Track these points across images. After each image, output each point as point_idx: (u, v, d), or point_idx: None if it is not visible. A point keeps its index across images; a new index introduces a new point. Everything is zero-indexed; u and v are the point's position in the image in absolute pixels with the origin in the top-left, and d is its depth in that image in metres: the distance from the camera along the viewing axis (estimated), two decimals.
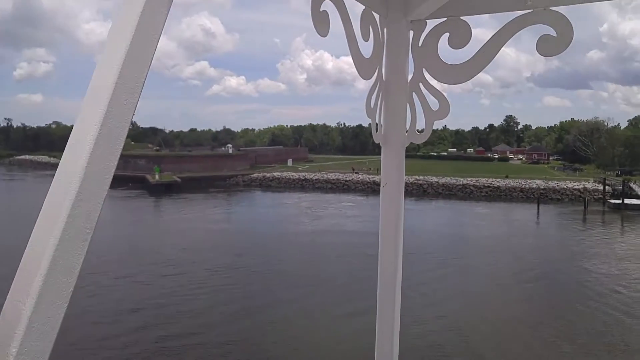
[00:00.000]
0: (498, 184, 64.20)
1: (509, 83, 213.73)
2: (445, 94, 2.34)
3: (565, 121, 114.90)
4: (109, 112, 0.99)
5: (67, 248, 0.94)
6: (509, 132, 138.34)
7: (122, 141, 1.03)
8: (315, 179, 73.47)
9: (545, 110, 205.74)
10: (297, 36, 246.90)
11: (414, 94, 2.33)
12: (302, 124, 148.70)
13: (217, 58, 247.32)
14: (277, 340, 17.72)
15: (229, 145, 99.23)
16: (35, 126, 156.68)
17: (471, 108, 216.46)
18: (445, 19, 2.24)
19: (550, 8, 2.00)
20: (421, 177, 68.76)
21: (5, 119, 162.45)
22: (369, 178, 67.97)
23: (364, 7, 2.09)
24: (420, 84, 2.32)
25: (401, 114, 2.34)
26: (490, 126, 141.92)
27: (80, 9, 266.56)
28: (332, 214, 49.49)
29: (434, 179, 67.77)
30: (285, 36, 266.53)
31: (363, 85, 2.44)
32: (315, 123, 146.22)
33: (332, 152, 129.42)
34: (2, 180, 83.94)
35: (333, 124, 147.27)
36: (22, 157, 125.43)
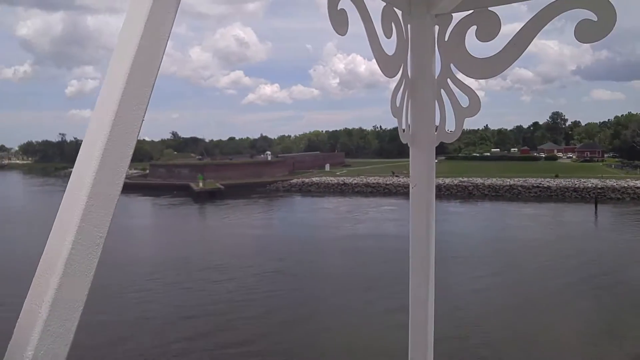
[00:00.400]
0: (548, 183, 61.21)
1: (552, 78, 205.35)
2: (476, 91, 2.21)
3: (622, 115, 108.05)
4: (117, 120, 1.00)
5: (81, 253, 0.96)
6: (555, 130, 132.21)
7: (131, 148, 1.03)
8: (355, 183, 72.76)
9: (595, 105, 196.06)
10: (329, 41, 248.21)
11: (442, 90, 2.23)
12: (337, 129, 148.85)
13: (252, 67, 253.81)
14: (332, 346, 17.28)
15: (268, 153, 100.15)
16: (81, 139, 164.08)
17: (511, 106, 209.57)
18: (472, 11, 2.11)
19: None
20: (465, 179, 66.66)
21: (59, 134, 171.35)
22: (407, 180, 66.44)
23: (384, 3, 2.01)
24: (449, 80, 2.21)
25: (429, 112, 2.24)
26: (535, 124, 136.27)
27: None
28: (374, 218, 48.70)
29: (479, 181, 65.59)
30: (316, 42, 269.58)
31: (395, 85, 2.19)
32: (350, 127, 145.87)
33: (369, 155, 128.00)
34: (61, 192, 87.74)
35: (369, 128, 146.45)
36: (70, 170, 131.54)
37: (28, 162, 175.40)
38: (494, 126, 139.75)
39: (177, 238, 39.50)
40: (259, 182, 79.49)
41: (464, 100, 2.21)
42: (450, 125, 2.25)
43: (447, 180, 67.51)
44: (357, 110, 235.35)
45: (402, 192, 66.73)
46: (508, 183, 63.17)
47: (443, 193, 64.54)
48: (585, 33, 1.84)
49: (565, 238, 36.56)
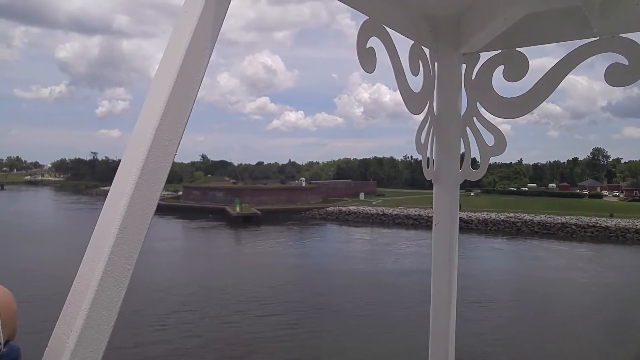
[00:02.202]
0: (606, 223, 57.81)
1: (582, 113, 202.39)
2: (502, 124, 2.25)
3: None
4: (150, 153, 1.02)
5: (109, 284, 0.98)
6: (596, 166, 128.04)
7: (163, 181, 1.06)
8: (395, 214, 70.68)
9: (626, 142, 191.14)
10: (354, 71, 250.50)
11: (467, 128, 2.23)
12: (362, 157, 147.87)
13: (278, 94, 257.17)
14: None
15: (302, 179, 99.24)
16: (116, 159, 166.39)
17: (537, 140, 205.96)
18: (500, 51, 2.14)
19: (620, 35, 1.85)
20: (512, 214, 63.93)
21: (91, 152, 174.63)
22: None
23: (412, 42, 2.03)
24: (474, 119, 2.22)
25: (454, 149, 2.25)
26: (574, 160, 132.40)
27: (155, 51, 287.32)
28: (416, 252, 46.33)
29: (527, 217, 62.73)
30: (342, 71, 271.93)
31: (420, 117, 2.15)
32: (374, 156, 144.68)
33: (400, 185, 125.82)
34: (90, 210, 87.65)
35: (397, 157, 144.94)
36: (107, 188, 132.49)
37: (60, 179, 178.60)
38: (513, 159, 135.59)
39: (215, 265, 38.35)
40: (294, 208, 78.28)
41: (489, 139, 2.19)
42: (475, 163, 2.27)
43: (493, 215, 64.88)
44: (380, 140, 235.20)
45: None
46: (560, 220, 60.10)
47: (490, 228, 62.00)
48: (616, 77, 1.85)
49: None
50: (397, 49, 1.91)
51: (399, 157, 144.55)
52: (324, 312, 24.97)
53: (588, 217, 60.89)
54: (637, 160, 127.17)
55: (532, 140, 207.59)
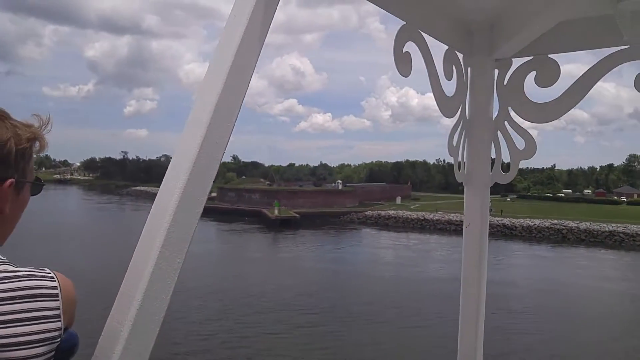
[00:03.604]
0: None
1: (608, 120, 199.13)
2: (531, 132, 2.25)
3: None
4: (202, 151, 1.06)
5: (160, 276, 1.02)
6: (632, 173, 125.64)
7: (212, 178, 1.10)
8: (436, 220, 70.68)
9: None
10: (383, 74, 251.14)
11: (498, 132, 2.29)
12: (388, 160, 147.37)
13: (306, 96, 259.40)
14: None
15: (339, 182, 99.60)
16: (147, 159, 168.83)
17: (564, 146, 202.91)
18: (532, 57, 2.17)
19: None
20: (557, 221, 63.43)
21: (122, 151, 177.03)
22: (497, 221, 63.78)
23: (447, 47, 2.07)
24: (506, 123, 2.27)
25: (485, 152, 2.30)
26: (609, 166, 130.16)
27: (184, 51, 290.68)
28: (460, 260, 46.28)
29: (572, 224, 62.17)
30: (370, 74, 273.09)
31: (449, 121, 2.22)
32: (402, 159, 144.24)
33: (433, 189, 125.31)
34: (132, 210, 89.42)
35: (430, 160, 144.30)
36: (138, 188, 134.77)
37: (89, 178, 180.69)
38: (537, 165, 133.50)
39: (259, 269, 38.62)
40: (331, 212, 78.72)
41: (519, 143, 2.26)
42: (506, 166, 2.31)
43: (537, 222, 64.43)
44: (407, 143, 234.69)
45: (490, 232, 63.96)
46: (607, 228, 59.46)
47: (534, 235, 61.66)
48: None
49: None
50: (431, 53, 1.96)
51: (429, 160, 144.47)
52: (374, 324, 24.40)
53: (636, 225, 60.01)
54: None
55: (559, 146, 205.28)
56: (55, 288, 0.98)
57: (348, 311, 26.25)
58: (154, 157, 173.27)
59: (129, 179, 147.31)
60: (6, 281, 0.93)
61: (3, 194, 0.98)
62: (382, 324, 24.42)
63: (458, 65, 2.20)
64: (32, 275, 0.97)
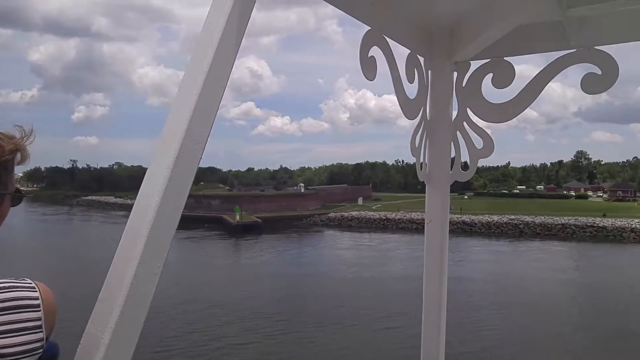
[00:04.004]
0: (602, 223, 59.95)
1: (555, 118, 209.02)
2: (489, 132, 2.38)
3: None
4: (179, 157, 1.09)
5: (141, 282, 1.03)
6: (579, 169, 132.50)
7: (190, 183, 1.15)
8: (398, 219, 71.41)
9: (594, 146, 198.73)
10: (341, 76, 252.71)
11: (458, 132, 2.37)
12: (347, 162, 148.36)
13: (263, 99, 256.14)
14: None
15: (301, 185, 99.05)
16: (98, 167, 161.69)
17: (516, 144, 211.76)
18: (489, 60, 2.28)
19: (595, 47, 2.02)
20: (514, 217, 65.51)
21: (70, 160, 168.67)
22: (457, 218, 65.13)
23: (409, 51, 2.16)
24: (464, 123, 2.36)
25: (445, 152, 2.39)
26: (559, 162, 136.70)
27: (137, 55, 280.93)
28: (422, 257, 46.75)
29: (529, 219, 64.40)
30: (328, 77, 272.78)
31: (405, 122, 2.40)
32: (360, 161, 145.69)
33: (393, 189, 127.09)
34: (83, 220, 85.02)
35: (389, 161, 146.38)
36: (89, 197, 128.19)
37: (34, 189, 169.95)
38: (492, 163, 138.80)
39: (222, 277, 37.39)
40: (294, 215, 78.12)
41: (478, 142, 2.35)
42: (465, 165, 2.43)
43: (495, 218, 66.31)
44: (366, 145, 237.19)
45: (451, 229, 64.98)
46: (560, 222, 61.96)
47: (493, 231, 63.35)
48: (591, 85, 2.02)
49: None
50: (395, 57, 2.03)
51: (388, 161, 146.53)
52: (345, 327, 23.83)
53: (585, 218, 62.96)
54: (615, 162, 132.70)
55: (512, 144, 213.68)
56: (37, 299, 0.98)
57: (317, 316, 25.70)
58: (105, 166, 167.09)
59: (78, 188, 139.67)
60: None
61: None
62: (353, 327, 24.02)
63: (419, 68, 2.26)
64: (14, 287, 0.97)
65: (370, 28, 1.89)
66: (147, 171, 1.14)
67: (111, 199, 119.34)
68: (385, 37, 1.97)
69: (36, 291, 0.99)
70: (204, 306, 27.20)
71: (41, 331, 0.97)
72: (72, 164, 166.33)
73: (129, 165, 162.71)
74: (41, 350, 0.97)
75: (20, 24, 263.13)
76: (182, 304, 26.73)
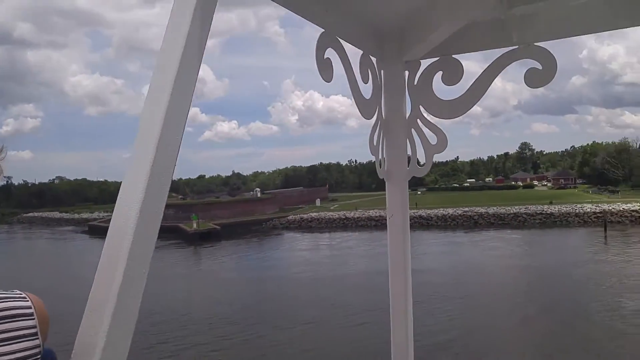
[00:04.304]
0: (550, 210, 63.04)
1: (498, 112, 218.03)
2: (441, 128, 2.45)
3: (587, 144, 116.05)
4: (154, 166, 1.12)
5: (129, 287, 1.06)
6: (524, 160, 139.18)
7: (166, 193, 1.17)
8: (357, 217, 71.88)
9: (534, 137, 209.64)
10: (287, 78, 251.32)
11: (412, 130, 2.45)
12: (299, 165, 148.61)
13: (208, 104, 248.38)
14: None
15: (257, 190, 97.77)
16: (37, 182, 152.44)
17: (462, 139, 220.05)
18: (438, 57, 2.36)
19: (535, 44, 2.13)
20: (468, 209, 67.56)
21: (4, 177, 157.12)
22: (413, 213, 66.29)
23: (362, 52, 2.22)
24: (418, 120, 2.44)
25: (401, 149, 2.47)
26: (505, 154, 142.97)
27: (67, 63, 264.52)
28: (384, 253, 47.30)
29: (482, 210, 66.62)
30: (274, 79, 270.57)
31: (354, 123, 2.93)
32: (312, 163, 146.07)
33: (348, 189, 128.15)
34: (50, 238, 79.40)
35: (342, 162, 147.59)
36: (30, 214, 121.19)
37: None
38: (440, 158, 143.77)
39: (184, 285, 36.32)
40: (252, 220, 77.00)
41: (432, 138, 2.43)
42: (421, 160, 2.53)
43: (450, 211, 68.09)
44: (316, 147, 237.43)
45: (410, 223, 65.99)
46: (512, 211, 64.53)
47: (449, 223, 65.02)
48: (533, 79, 2.12)
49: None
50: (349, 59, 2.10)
51: (341, 162, 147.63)
52: (314, 327, 23.61)
53: (534, 206, 65.92)
54: (555, 151, 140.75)
55: (458, 139, 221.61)
56: (29, 307, 1.02)
57: (285, 318, 25.24)
58: (45, 181, 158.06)
59: (16, 205, 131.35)
60: None
61: None
62: (319, 326, 23.76)
63: (372, 68, 2.31)
64: (6, 297, 1.00)
65: (324, 30, 1.91)
66: (122, 185, 1.16)
67: (56, 214, 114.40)
68: (339, 39, 2.01)
69: (28, 301, 1.02)
70: (171, 317, 26.13)
71: (37, 338, 1.00)
72: (7, 181, 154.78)
73: (71, 179, 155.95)
74: (39, 356, 1.00)
75: None
76: (147, 317, 25.41)
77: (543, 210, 63.86)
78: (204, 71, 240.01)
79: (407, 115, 2.46)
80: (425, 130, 2.44)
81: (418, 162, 2.51)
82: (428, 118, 2.43)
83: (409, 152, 2.49)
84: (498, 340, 21.04)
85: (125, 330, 1.07)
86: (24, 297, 1.02)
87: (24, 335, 0.96)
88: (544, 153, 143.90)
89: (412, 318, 2.51)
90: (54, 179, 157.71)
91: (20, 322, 0.97)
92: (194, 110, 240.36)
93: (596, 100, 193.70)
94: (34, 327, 0.99)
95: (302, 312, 26.22)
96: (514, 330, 22.01)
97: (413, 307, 2.53)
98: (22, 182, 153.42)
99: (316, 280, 35.49)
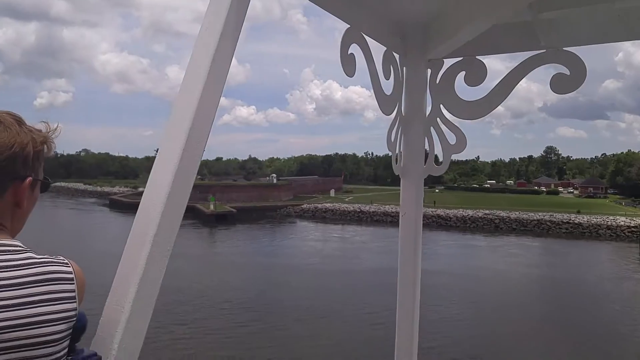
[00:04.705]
0: (578, 220, 60.22)
1: (521, 113, 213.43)
2: (461, 128, 2.45)
3: (622, 153, 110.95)
4: (185, 150, 1.20)
5: (154, 263, 1.15)
6: (549, 164, 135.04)
7: (194, 174, 1.25)
8: (372, 212, 70.30)
9: (559, 141, 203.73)
10: (306, 67, 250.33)
11: (431, 128, 2.44)
12: (314, 153, 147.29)
13: (229, 88, 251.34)
14: None
15: (273, 175, 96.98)
16: (65, 154, 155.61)
17: (481, 139, 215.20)
18: (462, 58, 2.35)
19: (564, 48, 2.09)
20: (489, 211, 65.43)
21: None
22: (431, 212, 64.54)
23: (385, 48, 2.24)
24: (438, 119, 2.43)
25: (419, 147, 2.47)
26: (529, 157, 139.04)
27: (98, 41, 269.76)
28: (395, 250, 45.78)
29: (503, 214, 64.39)
30: (294, 67, 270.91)
31: (371, 115, 2.49)
32: (327, 153, 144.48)
33: (363, 182, 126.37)
34: (74, 209, 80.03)
35: (358, 153, 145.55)
36: (57, 184, 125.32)
37: None
38: (460, 157, 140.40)
39: (200, 267, 35.71)
40: (267, 206, 76.22)
41: (451, 138, 2.39)
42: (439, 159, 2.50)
43: (471, 212, 66.04)
44: (332, 136, 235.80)
45: (425, 222, 63.75)
46: (535, 217, 62.13)
47: (468, 225, 63.06)
48: (560, 85, 2.08)
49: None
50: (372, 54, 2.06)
51: (357, 153, 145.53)
52: (322, 319, 23.22)
53: (560, 214, 63.34)
54: (584, 158, 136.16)
55: (478, 138, 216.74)
56: (70, 273, 1.10)
57: (297, 308, 24.78)
58: (72, 152, 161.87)
59: (46, 174, 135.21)
60: (31, 267, 1.05)
61: (22, 190, 1.12)
62: (323, 319, 23.16)
63: (395, 65, 2.29)
64: (52, 262, 1.09)
65: (349, 26, 1.92)
66: (155, 165, 1.23)
67: (80, 186, 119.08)
68: (364, 35, 2.02)
69: (69, 267, 1.11)
70: (184, 298, 25.74)
71: (75, 301, 1.09)
72: None
73: (96, 152, 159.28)
74: (75, 318, 1.09)
75: None
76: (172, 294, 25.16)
77: (570, 219, 60.91)
78: None
79: (427, 113, 2.43)
80: (445, 129, 2.40)
81: (435, 161, 2.49)
82: (448, 117, 2.39)
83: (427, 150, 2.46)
84: (497, 355, 19.66)
85: (148, 300, 1.14)
86: (66, 263, 1.11)
87: (66, 298, 1.06)
88: (571, 159, 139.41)
89: (419, 318, 2.49)
90: (80, 152, 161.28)
91: (63, 285, 1.07)
92: None
93: (631, 106, 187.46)
94: (73, 290, 1.08)
95: (312, 304, 25.62)
96: (518, 346, 20.46)
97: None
98: (53, 152, 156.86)
99: (327, 272, 34.57)
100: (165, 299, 24.01)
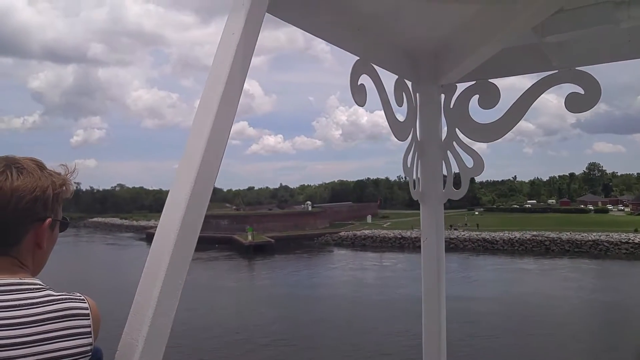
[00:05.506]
0: (639, 239, 56.11)
1: (553, 130, 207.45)
2: (481, 146, 2.53)
3: None
4: (196, 185, 1.22)
5: (166, 297, 1.17)
6: (592, 181, 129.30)
7: (207, 202, 1.27)
8: (415, 237, 67.76)
9: (596, 157, 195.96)
10: (332, 94, 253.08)
11: (448, 152, 2.44)
12: (344, 179, 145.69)
13: (256, 118, 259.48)
14: None
15: (308, 203, 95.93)
16: (101, 189, 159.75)
17: (514, 158, 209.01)
18: (474, 82, 2.37)
19: (576, 68, 2.11)
20: (537, 233, 62.20)
21: (74, 182, 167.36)
22: (476, 235, 61.87)
23: (396, 76, 2.25)
24: (454, 143, 2.42)
25: (437, 171, 2.46)
26: (571, 175, 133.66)
27: (131, 78, 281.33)
28: (449, 278, 42.96)
29: (553, 235, 61.02)
30: (319, 95, 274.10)
31: None
32: (356, 178, 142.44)
33: (398, 207, 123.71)
34: (112, 244, 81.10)
35: (392, 177, 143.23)
36: (94, 219, 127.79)
37: None
38: (487, 177, 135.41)
39: (242, 301, 34.89)
40: (304, 234, 75.11)
41: (468, 161, 2.39)
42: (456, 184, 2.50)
43: (518, 234, 62.95)
44: (359, 161, 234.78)
45: (469, 247, 61.57)
46: (590, 238, 58.51)
47: (517, 248, 60.03)
48: (574, 104, 2.09)
49: None
50: (383, 82, 2.07)
51: (390, 177, 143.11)
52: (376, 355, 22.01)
53: (617, 234, 59.50)
54: (629, 173, 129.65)
55: (509, 157, 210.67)
56: (86, 309, 1.15)
57: (351, 343, 23.59)
58: (107, 187, 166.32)
59: (83, 210, 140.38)
60: (50, 304, 1.10)
61: (42, 231, 1.17)
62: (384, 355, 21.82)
63: (408, 92, 2.30)
64: (69, 299, 1.14)
65: (358, 58, 1.95)
66: (170, 193, 1.26)
67: (117, 221, 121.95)
68: (373, 65, 2.04)
69: (85, 302, 1.16)
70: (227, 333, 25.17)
71: (91, 337, 1.13)
72: (76, 186, 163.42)
73: (130, 186, 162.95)
74: (90, 352, 1.13)
75: (19, 52, 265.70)
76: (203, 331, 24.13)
77: (629, 238, 56.87)
78: (253, 87, 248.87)
79: (443, 137, 2.44)
80: (462, 152, 2.40)
81: (454, 185, 2.48)
82: (464, 141, 2.40)
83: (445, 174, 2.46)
84: None
85: (162, 333, 1.17)
86: (83, 299, 1.15)
87: (81, 333, 1.11)
88: (617, 174, 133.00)
89: (446, 345, 2.41)
90: (115, 187, 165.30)
91: (79, 321, 1.11)
92: (242, 124, 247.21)
93: None
94: (88, 326, 1.12)
95: (358, 337, 24.57)
96: None
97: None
98: (89, 188, 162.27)
99: (385, 304, 32.68)
100: (207, 333, 23.99)
